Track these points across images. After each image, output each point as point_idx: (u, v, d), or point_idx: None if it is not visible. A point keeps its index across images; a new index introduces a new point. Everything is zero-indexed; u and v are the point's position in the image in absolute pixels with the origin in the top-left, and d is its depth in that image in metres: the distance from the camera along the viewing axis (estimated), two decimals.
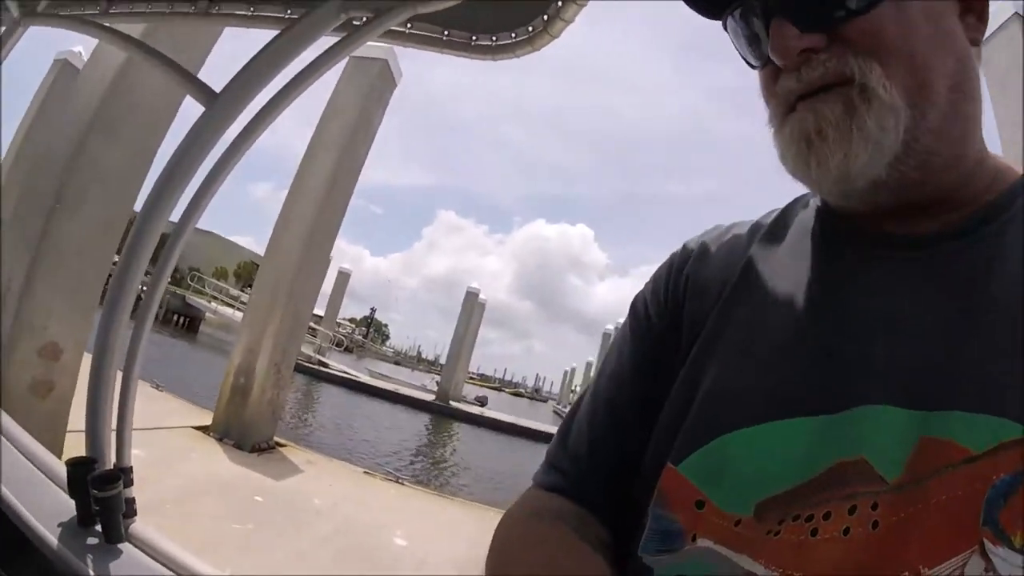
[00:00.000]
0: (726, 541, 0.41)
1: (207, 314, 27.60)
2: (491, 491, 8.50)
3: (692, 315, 0.52)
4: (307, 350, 23.13)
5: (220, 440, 4.33)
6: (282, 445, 4.81)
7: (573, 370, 52.86)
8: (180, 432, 4.19)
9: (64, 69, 8.72)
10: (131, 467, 1.44)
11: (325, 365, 21.37)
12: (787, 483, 0.40)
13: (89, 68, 3.03)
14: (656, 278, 0.58)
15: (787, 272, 0.49)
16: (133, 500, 1.43)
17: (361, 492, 4.05)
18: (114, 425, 1.46)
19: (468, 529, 3.70)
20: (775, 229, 0.53)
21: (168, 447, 3.71)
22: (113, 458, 1.42)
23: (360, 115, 5.83)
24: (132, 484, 1.43)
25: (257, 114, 1.16)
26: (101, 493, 1.33)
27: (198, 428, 4.40)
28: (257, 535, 2.68)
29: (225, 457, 3.98)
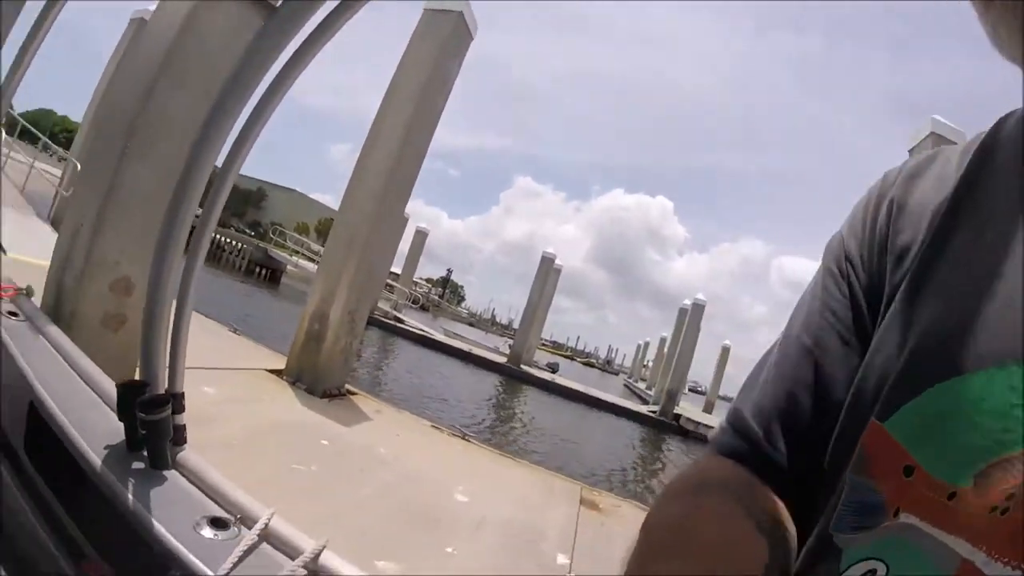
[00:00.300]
0: (936, 519, 0.35)
1: (288, 267, 28.74)
2: (557, 457, 8.45)
3: (901, 245, 0.45)
4: (384, 305, 23.76)
5: (292, 384, 4.39)
6: (353, 393, 4.85)
7: (646, 344, 52.48)
8: (253, 374, 4.26)
9: (140, 27, 9.10)
10: (182, 394, 1.37)
11: (401, 321, 21.86)
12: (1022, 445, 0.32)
13: (156, 17, 3.05)
14: (853, 213, 0.51)
15: (1009, 190, 0.40)
16: (183, 428, 1.37)
17: (426, 445, 4.02)
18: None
19: (531, 493, 3.61)
20: (987, 147, 0.44)
21: (239, 387, 3.77)
22: (165, 384, 1.37)
23: (435, 67, 5.71)
24: (183, 411, 1.37)
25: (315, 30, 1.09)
26: (148, 416, 1.27)
27: (271, 371, 4.47)
28: (319, 478, 2.65)
29: (296, 400, 4.02)
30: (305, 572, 1.12)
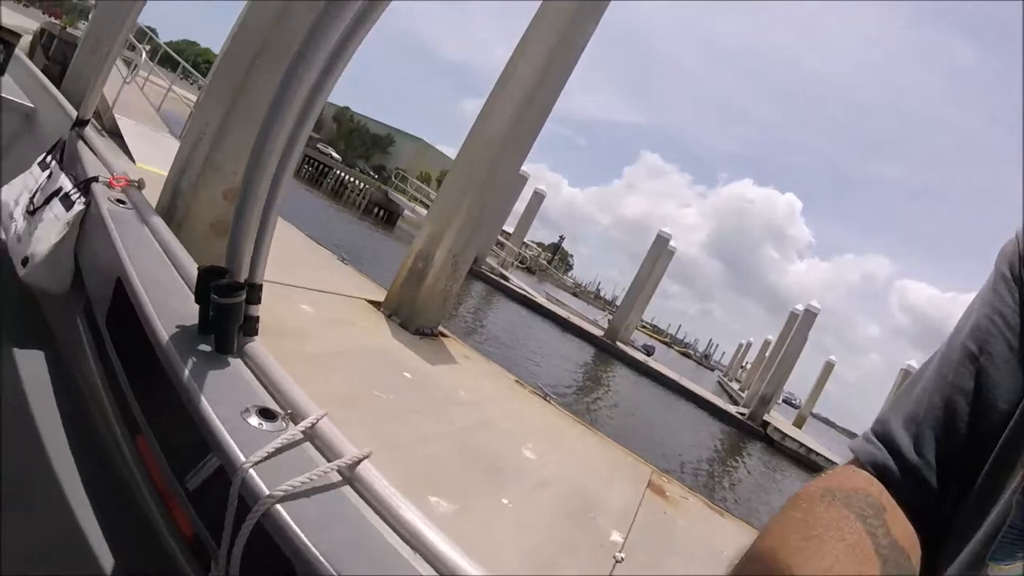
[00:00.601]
0: None
1: (405, 212, 29.67)
2: (633, 437, 8.28)
3: None
4: (491, 261, 24.11)
5: (388, 317, 4.49)
6: (445, 335, 4.91)
7: (748, 344, 50.61)
8: (353, 301, 4.39)
9: None
10: (260, 286, 1.38)
11: (506, 279, 22.10)
12: None
13: None
14: None
15: None
16: (255, 319, 1.37)
17: (506, 397, 4.02)
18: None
19: (600, 465, 3.53)
20: None
21: (337, 310, 3.89)
22: (246, 275, 1.39)
23: (570, 25, 5.52)
24: (258, 303, 1.38)
25: None
26: (221, 299, 1.29)
27: (371, 302, 4.59)
28: (393, 406, 2.69)
29: (388, 332, 4.11)
30: (339, 476, 1.10)
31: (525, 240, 34.84)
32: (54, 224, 2.09)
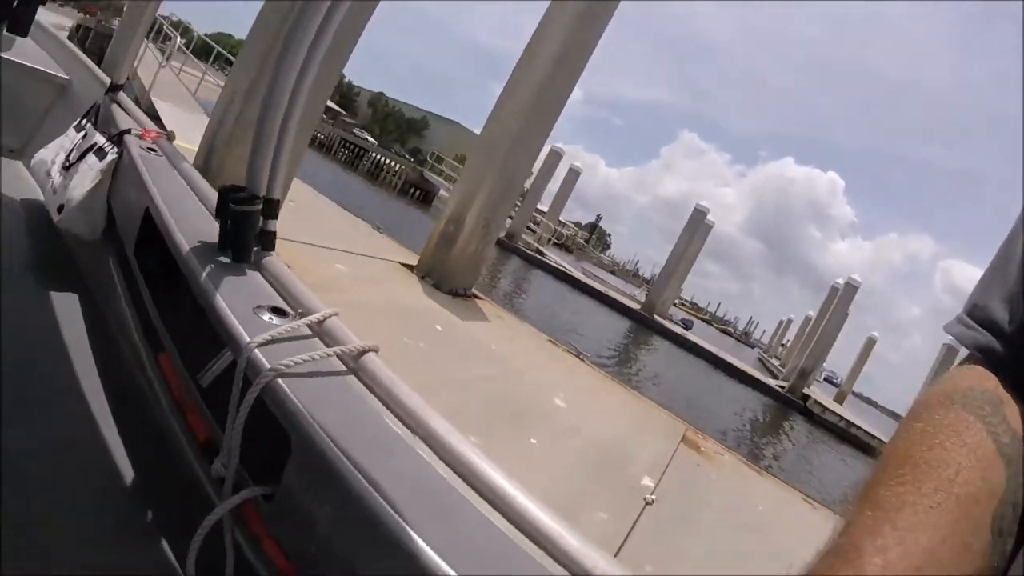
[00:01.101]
0: None
1: (441, 191, 29.78)
2: (669, 403, 8.20)
3: None
4: (528, 238, 24.06)
5: (421, 278, 4.51)
6: (478, 297, 4.92)
7: (789, 322, 49.86)
8: (387, 263, 4.42)
9: None
10: (277, 201, 1.39)
11: (542, 255, 22.03)
12: None
13: None
14: None
15: None
16: (272, 234, 1.39)
17: (538, 354, 4.00)
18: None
19: (633, 419, 3.49)
20: None
21: (371, 270, 3.92)
22: (264, 191, 1.40)
23: None
24: (274, 218, 1.39)
25: None
26: (236, 207, 1.31)
27: (404, 264, 4.62)
28: (422, 352, 2.69)
29: (421, 291, 4.13)
30: (344, 366, 1.10)
31: (562, 219, 34.63)
32: (88, 173, 2.14)
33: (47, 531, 1.10)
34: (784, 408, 18.15)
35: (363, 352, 1.06)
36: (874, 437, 17.75)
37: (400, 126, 61.06)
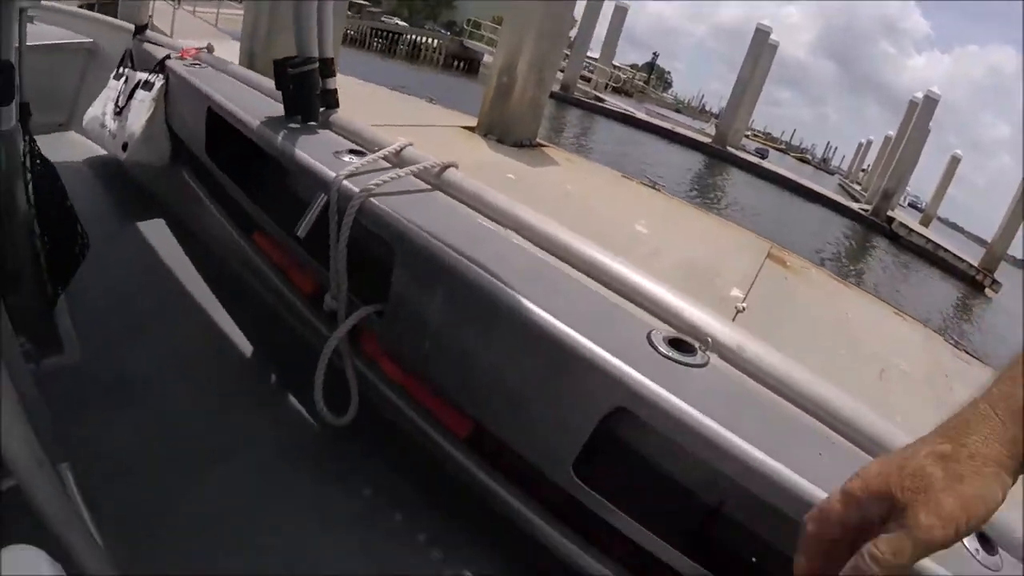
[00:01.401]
0: None
1: (485, 57, 28.51)
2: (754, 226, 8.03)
3: None
4: (584, 87, 23.04)
5: (484, 136, 4.48)
6: (544, 145, 4.86)
7: (868, 143, 46.40)
8: (447, 129, 4.39)
9: None
10: (331, 59, 1.40)
11: (601, 100, 21.16)
12: None
13: None
14: None
15: None
16: (334, 92, 1.41)
17: (614, 187, 3.98)
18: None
19: (716, 239, 3.46)
20: None
21: (435, 137, 3.90)
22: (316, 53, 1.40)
23: None
24: (333, 76, 1.41)
25: None
26: (294, 70, 1.33)
27: (465, 127, 4.58)
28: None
29: (486, 147, 4.12)
30: (427, 184, 1.15)
31: (615, 63, 32.74)
32: (142, 106, 2.17)
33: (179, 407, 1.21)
34: (868, 232, 17.36)
35: (444, 168, 1.10)
36: (962, 260, 16.88)
37: (428, 2, 58.08)
